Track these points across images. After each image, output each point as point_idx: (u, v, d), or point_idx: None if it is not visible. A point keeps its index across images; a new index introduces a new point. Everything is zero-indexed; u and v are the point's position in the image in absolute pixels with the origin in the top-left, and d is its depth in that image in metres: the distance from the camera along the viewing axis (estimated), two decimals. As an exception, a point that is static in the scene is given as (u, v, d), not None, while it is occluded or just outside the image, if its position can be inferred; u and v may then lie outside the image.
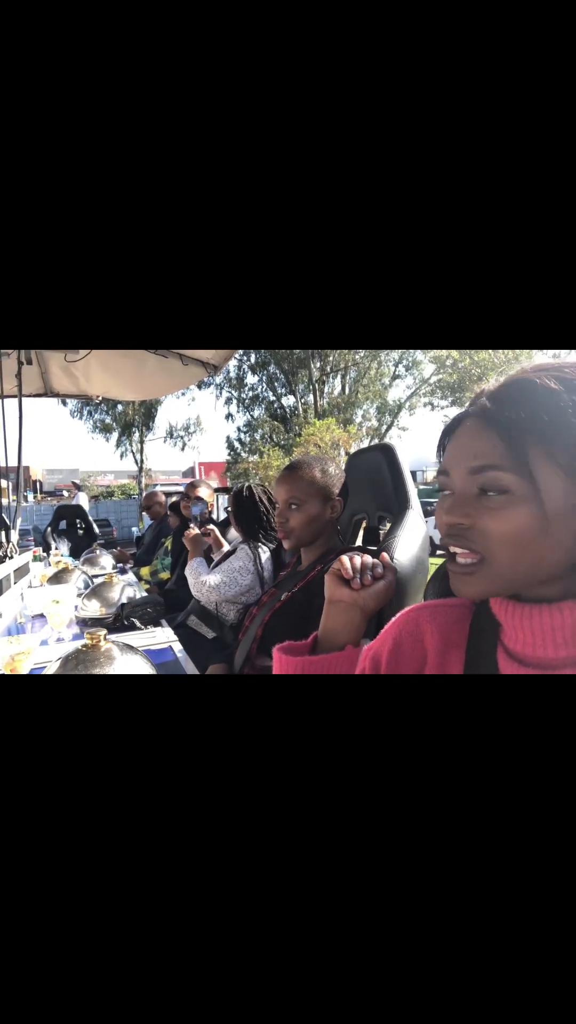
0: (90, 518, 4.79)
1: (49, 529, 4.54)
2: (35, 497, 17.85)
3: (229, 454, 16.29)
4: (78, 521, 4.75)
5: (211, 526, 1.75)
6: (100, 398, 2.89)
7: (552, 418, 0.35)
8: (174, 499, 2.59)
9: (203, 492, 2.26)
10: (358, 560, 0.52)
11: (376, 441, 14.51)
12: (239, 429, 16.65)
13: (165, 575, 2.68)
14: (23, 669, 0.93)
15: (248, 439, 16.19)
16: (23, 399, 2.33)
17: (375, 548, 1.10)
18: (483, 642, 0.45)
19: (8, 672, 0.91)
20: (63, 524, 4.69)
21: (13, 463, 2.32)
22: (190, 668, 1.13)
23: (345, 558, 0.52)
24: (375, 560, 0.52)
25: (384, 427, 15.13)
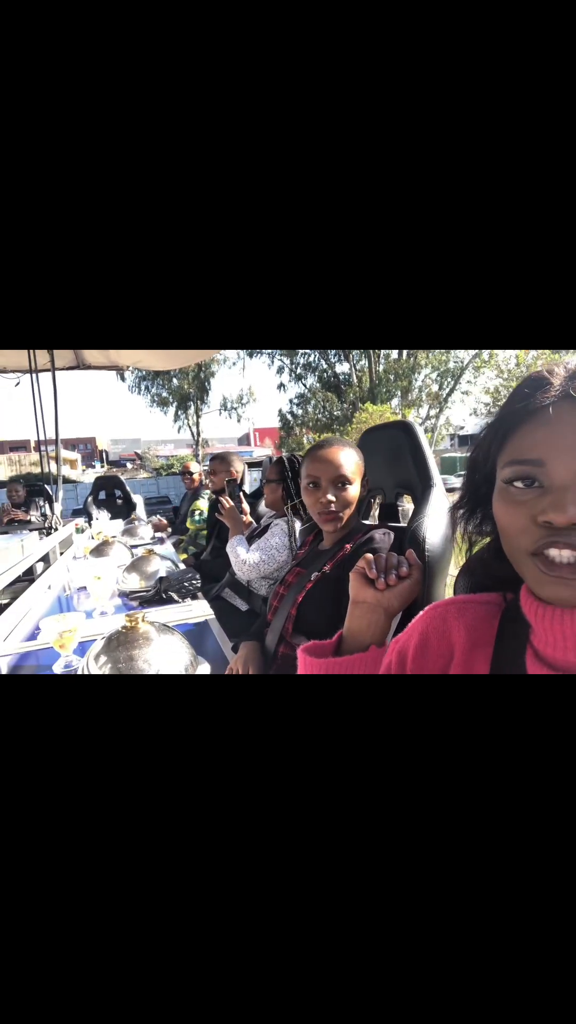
0: (128, 488, 4.94)
1: (90, 499, 4.73)
2: (102, 467, 18.58)
3: (281, 428, 16.05)
4: (117, 491, 4.91)
5: (244, 504, 1.77)
6: (131, 368, 2.91)
7: None
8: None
9: (229, 465, 2.26)
10: (383, 559, 0.51)
11: (437, 408, 13.95)
12: (291, 401, 16.19)
13: (201, 529, 2.79)
14: (71, 646, 1.00)
15: (301, 411, 15.77)
16: (56, 372, 2.39)
17: (399, 525, 1.09)
18: (512, 642, 0.43)
19: (58, 648, 0.99)
20: (103, 494, 4.87)
21: (53, 435, 2.42)
22: (223, 639, 1.19)
23: (371, 557, 0.51)
24: (401, 557, 0.51)
25: (446, 391, 14.23)
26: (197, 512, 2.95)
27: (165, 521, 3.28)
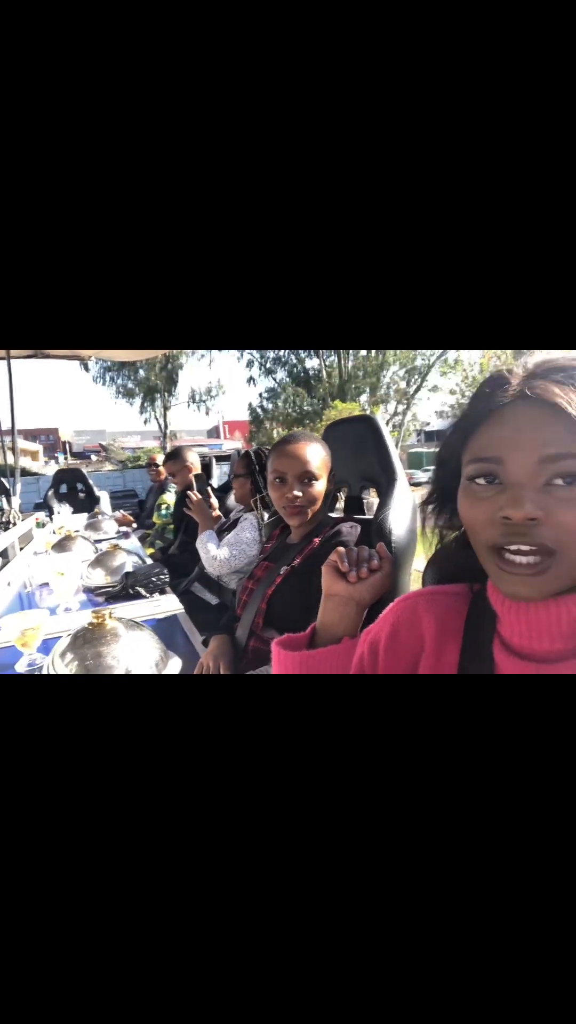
0: (90, 481, 4.79)
1: (51, 493, 4.56)
2: (64, 459, 17.80)
3: (251, 422, 15.87)
4: (79, 485, 4.76)
5: (212, 500, 1.75)
6: (93, 358, 2.81)
7: None
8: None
9: (185, 461, 2.25)
10: (354, 552, 0.52)
11: (404, 405, 14.13)
12: (260, 395, 16.03)
13: (168, 523, 2.74)
14: (35, 644, 0.97)
15: (271, 406, 15.63)
16: (11, 360, 2.28)
17: (365, 517, 1.11)
18: (479, 632, 0.45)
19: (20, 647, 0.96)
20: (64, 488, 4.70)
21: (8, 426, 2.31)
22: (193, 634, 1.18)
23: (343, 550, 0.52)
24: (372, 551, 0.52)
25: (413, 388, 14.43)
26: (164, 506, 2.90)
27: (130, 516, 3.21)
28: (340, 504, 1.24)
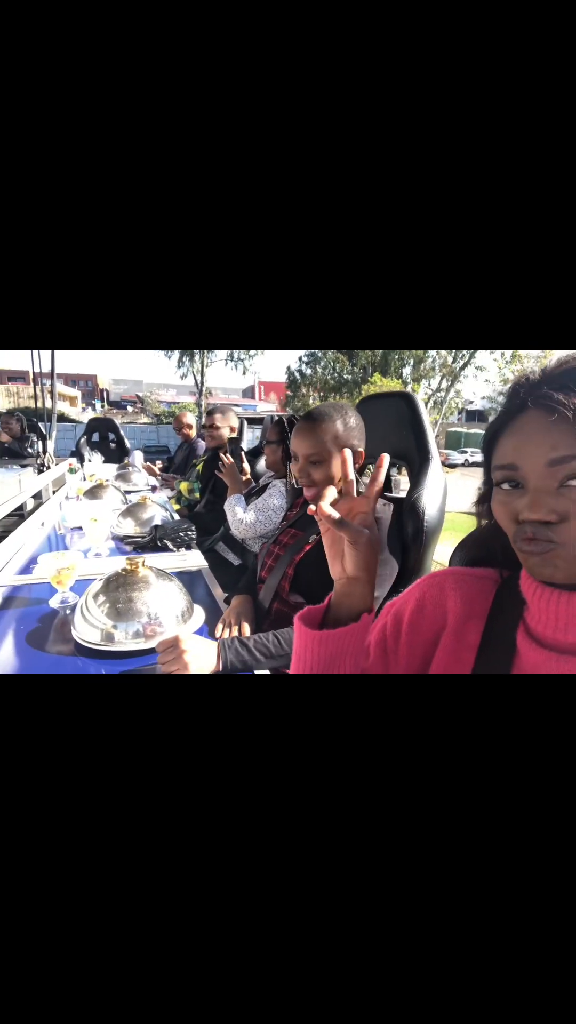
0: (121, 432, 4.85)
1: (83, 440, 4.65)
2: (102, 407, 17.92)
3: (288, 386, 15.58)
4: (110, 434, 4.83)
5: (244, 464, 1.76)
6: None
7: None
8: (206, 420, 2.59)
9: (220, 421, 2.25)
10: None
11: (449, 381, 13.59)
12: (300, 359, 15.63)
13: (197, 495, 2.78)
14: (68, 583, 1.02)
15: (310, 371, 15.26)
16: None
17: (394, 495, 1.11)
18: (504, 617, 0.46)
19: (55, 584, 1.01)
20: (96, 436, 4.78)
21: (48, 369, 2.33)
22: (216, 591, 1.22)
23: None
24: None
25: (460, 364, 13.88)
26: (194, 473, 2.92)
27: (157, 470, 3.25)
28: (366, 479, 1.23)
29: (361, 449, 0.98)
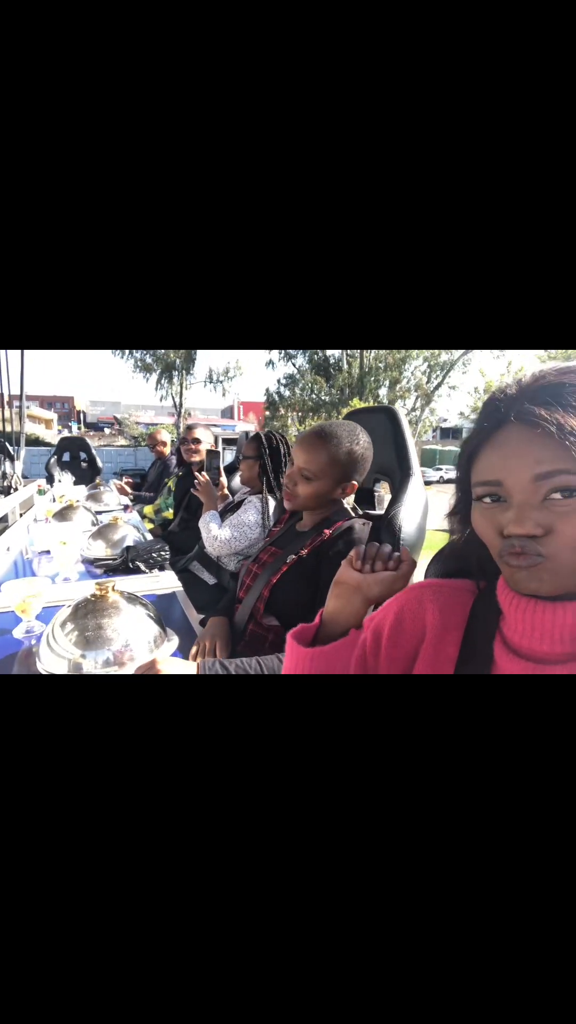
0: (93, 451, 4.76)
1: (53, 460, 4.53)
2: (79, 428, 17.66)
3: (267, 407, 15.73)
4: (82, 454, 4.73)
5: (223, 479, 1.74)
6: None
7: None
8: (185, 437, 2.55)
9: (202, 435, 2.23)
10: (374, 550, 0.52)
11: (424, 401, 13.97)
12: (279, 382, 15.85)
13: (169, 514, 2.71)
14: (33, 611, 0.97)
15: (288, 392, 15.45)
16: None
17: (374, 512, 1.10)
18: (482, 628, 0.46)
19: (19, 613, 0.96)
20: (67, 456, 4.67)
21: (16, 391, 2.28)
22: (190, 611, 1.18)
23: (362, 548, 0.52)
24: (396, 553, 0.52)
25: (433, 385, 14.28)
26: (166, 490, 2.87)
27: (128, 488, 3.18)
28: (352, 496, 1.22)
29: (356, 480, 0.95)
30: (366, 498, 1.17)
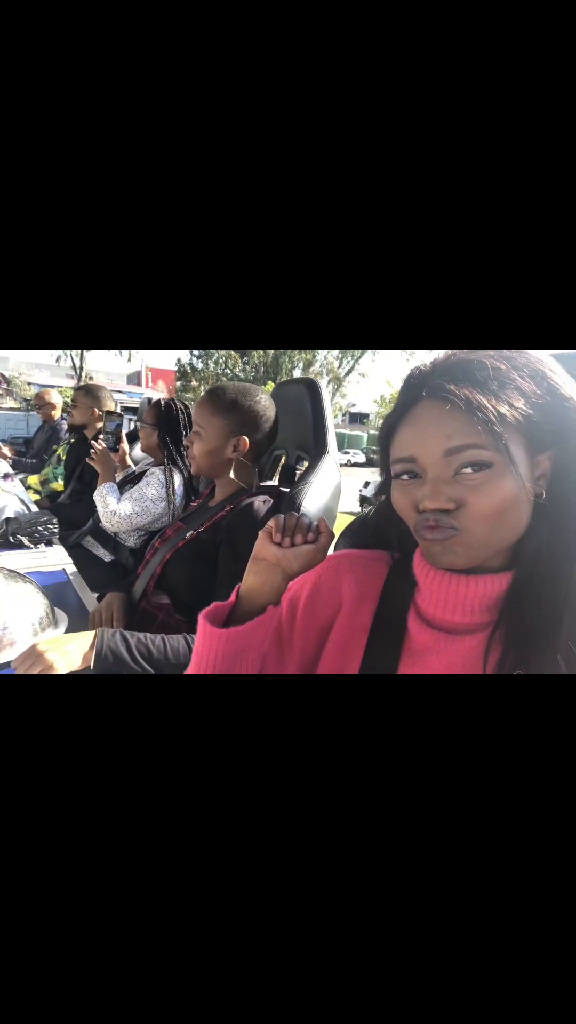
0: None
1: None
2: None
3: (178, 377, 14.75)
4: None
5: (124, 444, 1.60)
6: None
7: (512, 393, 0.37)
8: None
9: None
10: (293, 521, 0.50)
11: (336, 385, 14.12)
12: (191, 353, 14.97)
13: (58, 485, 2.46)
14: None
15: (201, 364, 14.65)
16: None
17: (287, 489, 1.09)
18: (395, 598, 0.47)
19: None
20: None
21: None
22: (85, 593, 1.09)
23: (281, 518, 0.50)
24: (314, 523, 0.50)
25: (344, 371, 14.45)
26: (57, 457, 2.58)
27: (8, 452, 2.81)
28: (278, 473, 1.18)
29: (245, 436, 0.92)
30: (290, 475, 1.14)
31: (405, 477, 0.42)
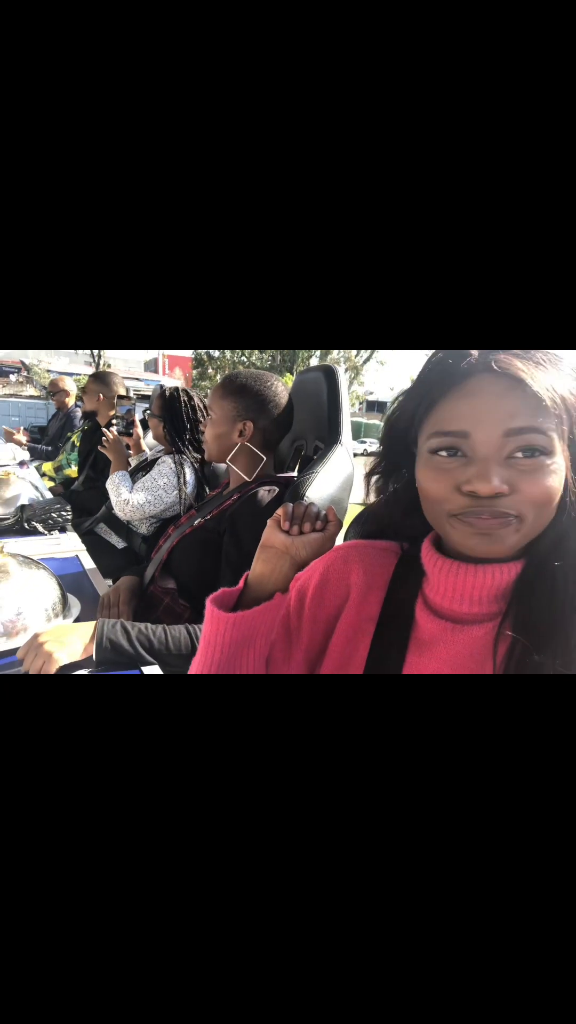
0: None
1: None
2: None
3: (195, 366, 14.69)
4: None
5: (137, 429, 1.61)
6: None
7: (570, 381, 0.37)
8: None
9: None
10: (301, 509, 0.50)
11: (353, 373, 13.85)
12: None
13: (72, 472, 2.49)
14: None
15: (217, 353, 14.56)
16: None
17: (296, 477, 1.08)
18: (404, 588, 0.47)
19: None
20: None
21: None
22: (97, 580, 1.11)
23: (289, 506, 0.50)
24: (322, 511, 0.50)
25: (362, 360, 14.15)
26: (70, 446, 2.60)
27: (23, 439, 2.85)
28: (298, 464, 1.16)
29: (255, 422, 0.92)
30: (306, 466, 1.13)
31: (444, 454, 0.38)
